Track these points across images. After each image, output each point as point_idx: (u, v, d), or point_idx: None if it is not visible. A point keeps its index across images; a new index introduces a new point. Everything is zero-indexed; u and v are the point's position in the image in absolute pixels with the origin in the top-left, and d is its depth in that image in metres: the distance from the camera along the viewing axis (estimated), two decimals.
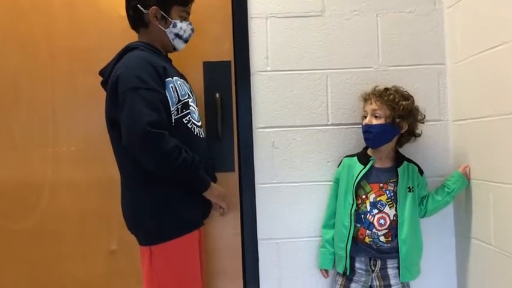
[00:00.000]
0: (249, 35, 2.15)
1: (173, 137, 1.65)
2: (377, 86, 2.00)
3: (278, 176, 2.14)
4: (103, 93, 1.76)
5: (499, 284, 1.83)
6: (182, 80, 1.83)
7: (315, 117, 2.15)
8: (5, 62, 2.15)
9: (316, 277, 2.13)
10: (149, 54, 1.76)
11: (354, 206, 1.95)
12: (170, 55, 1.94)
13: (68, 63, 2.15)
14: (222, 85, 2.15)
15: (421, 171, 2.03)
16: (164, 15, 1.81)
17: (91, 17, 2.16)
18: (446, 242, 2.16)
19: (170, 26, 1.83)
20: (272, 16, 2.15)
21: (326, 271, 2.09)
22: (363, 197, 1.96)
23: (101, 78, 1.82)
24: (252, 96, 2.15)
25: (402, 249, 1.92)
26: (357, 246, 1.95)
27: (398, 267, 1.93)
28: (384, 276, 1.94)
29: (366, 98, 2.00)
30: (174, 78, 1.76)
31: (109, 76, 1.74)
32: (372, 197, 1.96)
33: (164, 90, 1.70)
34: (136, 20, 1.84)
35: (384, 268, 1.94)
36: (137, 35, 1.87)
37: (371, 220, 1.94)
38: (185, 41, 1.89)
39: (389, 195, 1.95)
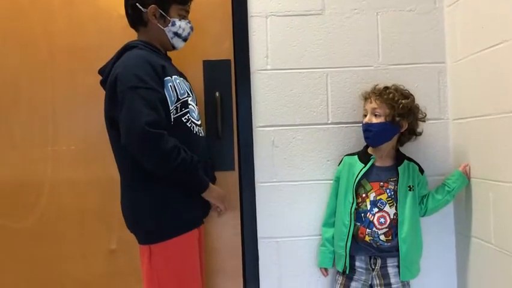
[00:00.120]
0: (249, 34, 2.15)
1: (173, 136, 1.65)
2: (377, 85, 2.00)
3: (278, 174, 2.14)
4: (102, 92, 1.76)
5: (499, 282, 1.84)
6: (181, 78, 1.83)
7: (315, 116, 2.15)
8: (5, 61, 2.15)
9: (316, 276, 2.13)
10: (148, 53, 1.75)
11: (355, 204, 1.95)
12: (170, 53, 1.94)
13: (68, 62, 2.15)
14: (221, 84, 2.15)
15: (421, 170, 2.03)
16: (163, 13, 1.81)
17: (91, 15, 2.15)
18: (446, 240, 2.16)
19: (169, 25, 1.82)
20: (272, 15, 2.15)
21: (326, 270, 2.09)
22: (364, 195, 1.96)
23: (100, 77, 1.82)
24: (252, 95, 2.14)
25: (403, 248, 1.92)
26: (357, 244, 1.95)
27: (398, 266, 1.93)
28: (385, 275, 1.94)
29: (366, 97, 2.00)
30: (173, 77, 1.75)
31: (108, 75, 1.73)
32: (372, 195, 1.96)
33: (163, 89, 1.70)
34: (135, 18, 1.84)
35: (384, 267, 1.94)
36: (137, 33, 1.87)
37: (371, 219, 1.94)
38: (185, 39, 1.89)
39: (389, 194, 1.95)
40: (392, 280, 1.94)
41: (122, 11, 1.87)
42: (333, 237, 2.04)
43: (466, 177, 2.00)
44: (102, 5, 2.16)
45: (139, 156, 1.65)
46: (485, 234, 1.91)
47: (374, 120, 1.94)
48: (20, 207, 2.13)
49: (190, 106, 1.80)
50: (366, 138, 1.99)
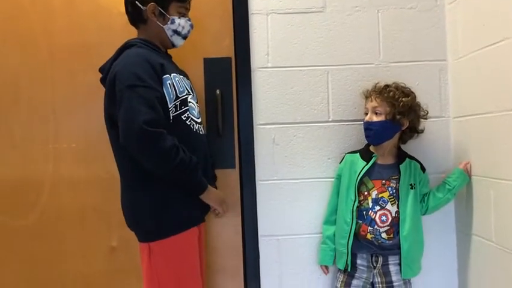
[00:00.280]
0: (250, 31, 2.15)
1: (172, 134, 1.65)
2: (377, 83, 2.00)
3: (279, 172, 2.14)
4: (103, 90, 1.76)
5: (500, 280, 1.83)
6: (181, 76, 1.82)
7: (316, 113, 2.15)
8: (5, 60, 2.15)
9: (317, 274, 2.13)
10: (147, 51, 1.75)
11: (356, 202, 1.95)
12: (170, 51, 1.94)
13: (68, 60, 2.15)
14: (222, 81, 2.15)
15: (423, 168, 2.02)
16: (162, 11, 1.80)
17: (91, 13, 2.15)
18: (447, 238, 2.16)
19: (169, 23, 1.82)
20: (273, 12, 2.15)
21: (326, 267, 2.09)
22: (365, 193, 1.96)
23: (101, 75, 1.82)
24: (252, 92, 2.14)
25: (404, 246, 1.92)
26: (359, 242, 1.95)
27: (400, 264, 1.93)
28: (386, 273, 1.94)
29: (367, 96, 2.00)
30: (172, 74, 1.75)
31: (107, 73, 1.73)
32: (374, 193, 1.95)
33: (162, 87, 1.69)
34: (134, 16, 1.84)
35: (385, 265, 1.94)
36: (137, 31, 1.87)
37: (373, 217, 1.94)
38: (184, 37, 1.88)
39: (391, 192, 1.95)
40: (394, 278, 1.94)
41: (122, 9, 1.87)
42: (334, 235, 2.04)
43: (466, 175, 2.00)
44: (102, 3, 2.15)
45: (138, 155, 1.64)
46: (486, 232, 1.91)
47: (375, 119, 1.93)
48: (21, 206, 2.14)
49: (190, 104, 1.80)
50: (367, 136, 1.98)
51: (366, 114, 1.98)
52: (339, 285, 2.00)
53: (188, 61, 2.09)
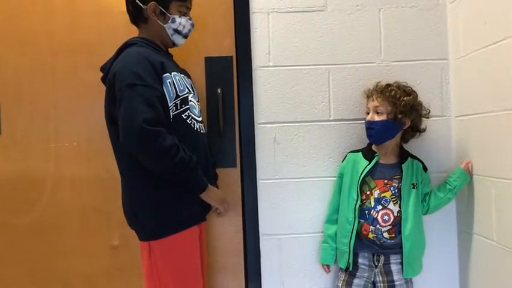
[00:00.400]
0: (251, 30, 2.15)
1: (172, 132, 1.65)
2: (379, 82, 2.00)
3: (280, 171, 2.14)
4: (104, 89, 1.76)
5: (501, 279, 1.83)
6: (182, 75, 1.82)
7: (317, 112, 2.14)
8: (7, 59, 2.15)
9: (318, 273, 2.13)
10: (147, 50, 1.75)
11: (359, 201, 1.94)
12: (171, 50, 1.94)
13: (70, 59, 2.15)
14: (223, 80, 2.15)
15: (425, 168, 2.02)
16: (163, 10, 1.80)
17: (92, 12, 2.15)
18: (449, 237, 2.16)
19: (169, 22, 1.82)
20: (274, 11, 2.14)
21: (328, 266, 2.09)
22: (368, 192, 1.96)
23: (102, 74, 1.82)
24: (253, 91, 2.14)
25: (406, 246, 1.92)
26: (361, 241, 1.95)
27: (401, 263, 1.93)
28: (388, 272, 1.94)
29: (368, 95, 2.00)
30: (172, 73, 1.75)
31: (108, 72, 1.73)
32: (376, 193, 1.95)
33: (162, 86, 1.69)
34: (135, 15, 1.84)
35: (387, 264, 1.94)
36: (138, 30, 1.87)
37: (375, 216, 1.94)
38: (185, 36, 1.88)
39: (393, 192, 1.95)
40: (395, 277, 1.93)
41: (123, 8, 1.87)
42: (335, 234, 2.03)
43: (467, 174, 1.99)
44: (103, 2, 2.16)
45: (138, 154, 1.65)
46: (487, 231, 1.91)
47: (376, 118, 1.93)
48: (23, 204, 2.14)
49: (190, 103, 1.80)
50: (369, 136, 1.98)
51: (368, 113, 1.97)
52: (340, 284, 2.00)
53: (190, 60, 2.09)
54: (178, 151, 1.64)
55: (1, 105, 2.14)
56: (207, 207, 1.84)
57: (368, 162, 1.97)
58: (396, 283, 1.93)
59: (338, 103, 2.15)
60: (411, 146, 2.06)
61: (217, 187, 1.93)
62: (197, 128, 1.81)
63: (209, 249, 2.09)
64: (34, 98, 2.15)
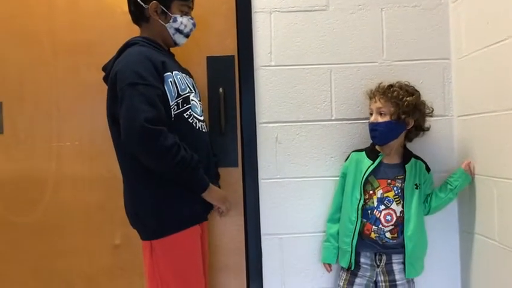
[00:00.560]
0: (253, 30, 2.14)
1: (174, 131, 1.65)
2: (381, 83, 1.99)
3: (282, 171, 2.14)
4: (106, 89, 1.76)
5: (503, 279, 1.83)
6: (183, 74, 1.82)
7: (319, 112, 2.14)
8: (9, 58, 2.16)
9: (320, 272, 2.13)
10: (149, 49, 1.75)
11: (362, 201, 1.94)
12: (173, 50, 1.94)
13: (72, 59, 2.15)
14: (225, 80, 2.15)
15: (428, 169, 2.02)
16: (165, 9, 1.80)
17: (94, 12, 2.16)
18: (450, 237, 2.15)
19: (171, 21, 1.82)
20: (276, 10, 2.14)
21: (329, 265, 2.09)
22: (371, 192, 1.96)
23: (104, 74, 1.82)
24: (255, 91, 2.14)
25: (408, 246, 1.92)
26: (363, 241, 1.95)
27: (403, 263, 1.93)
28: (389, 272, 1.94)
29: (370, 96, 1.99)
30: (174, 72, 1.75)
31: (109, 72, 1.74)
32: (379, 192, 1.95)
33: (163, 85, 1.70)
34: (137, 14, 1.84)
35: (389, 263, 1.94)
36: (140, 29, 1.87)
37: (378, 216, 1.93)
38: (186, 35, 1.88)
39: (396, 192, 1.95)
40: (397, 277, 1.93)
41: (126, 8, 1.87)
42: (337, 233, 2.03)
43: (468, 174, 1.99)
44: (105, 2, 2.16)
45: (139, 153, 1.65)
46: (489, 231, 1.91)
47: (380, 120, 1.92)
48: (25, 203, 2.14)
49: (192, 102, 1.80)
50: (372, 137, 1.98)
51: (371, 114, 1.97)
52: (342, 284, 2.00)
53: (192, 59, 2.09)
54: (180, 150, 1.64)
55: (3, 104, 2.15)
56: (208, 207, 1.83)
57: (371, 161, 1.97)
58: (398, 282, 1.93)
59: (339, 103, 2.14)
60: (414, 146, 2.06)
61: (219, 187, 1.93)
62: (199, 127, 1.81)
63: (211, 249, 2.09)
64: (36, 97, 2.15)
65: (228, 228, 2.16)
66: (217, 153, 2.00)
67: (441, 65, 2.15)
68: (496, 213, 1.85)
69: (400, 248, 1.93)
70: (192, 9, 1.90)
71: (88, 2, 2.16)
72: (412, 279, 1.97)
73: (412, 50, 2.15)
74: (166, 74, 1.71)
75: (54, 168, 2.14)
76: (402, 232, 1.93)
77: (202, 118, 1.86)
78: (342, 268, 2.02)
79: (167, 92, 1.70)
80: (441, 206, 2.02)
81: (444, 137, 2.15)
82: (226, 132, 2.13)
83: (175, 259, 1.71)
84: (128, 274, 2.14)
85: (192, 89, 1.84)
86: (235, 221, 2.16)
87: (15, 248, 2.14)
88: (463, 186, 2.00)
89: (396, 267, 1.94)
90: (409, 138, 2.02)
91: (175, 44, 1.89)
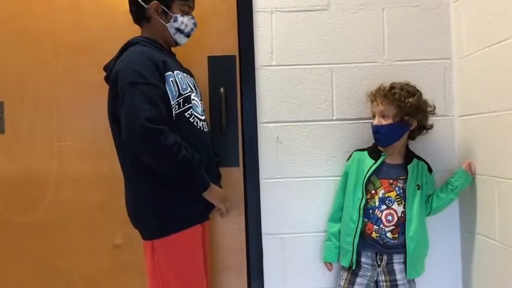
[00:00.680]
0: (254, 30, 2.14)
1: (175, 131, 1.65)
2: (381, 85, 1.99)
3: (283, 171, 2.14)
4: (107, 89, 1.76)
5: (504, 279, 1.83)
6: (184, 74, 1.83)
7: (320, 112, 2.14)
8: (10, 57, 2.15)
9: (321, 272, 2.13)
10: (150, 49, 1.76)
11: (364, 200, 1.94)
12: (174, 49, 1.94)
13: (73, 58, 2.15)
14: (226, 79, 2.15)
15: (430, 169, 2.02)
16: (165, 9, 1.81)
17: (95, 11, 2.16)
18: (452, 237, 2.15)
19: (171, 21, 1.82)
20: (277, 10, 2.14)
21: (330, 264, 2.08)
22: (373, 192, 1.96)
23: (105, 73, 1.82)
24: (256, 90, 2.14)
25: (410, 247, 1.91)
26: (364, 241, 1.95)
27: (404, 263, 1.93)
28: (390, 271, 1.94)
29: (372, 99, 1.99)
30: (175, 72, 1.75)
31: (111, 71, 1.74)
32: (381, 192, 1.95)
33: (164, 85, 1.70)
34: (138, 14, 1.84)
35: (390, 263, 1.94)
36: (140, 29, 1.87)
37: (379, 216, 1.93)
38: (187, 35, 1.88)
39: (398, 192, 1.95)
40: (398, 276, 1.93)
41: (127, 7, 1.87)
42: (339, 232, 2.03)
43: (469, 174, 1.99)
44: (106, 1, 2.16)
45: (140, 152, 1.65)
46: (490, 232, 1.91)
47: (384, 122, 1.92)
48: (25, 202, 2.14)
49: (193, 101, 1.80)
50: (376, 139, 1.97)
51: (374, 116, 1.97)
52: (343, 283, 2.00)
53: (193, 59, 2.09)
54: (181, 149, 1.64)
55: (4, 104, 2.15)
56: (209, 206, 1.83)
57: (373, 161, 1.97)
58: (398, 282, 1.93)
59: (341, 102, 2.14)
60: (415, 145, 2.06)
61: (221, 186, 1.93)
62: (200, 127, 1.81)
63: (212, 248, 2.09)
64: (37, 97, 2.15)
65: (229, 228, 2.16)
66: (218, 153, 2.00)
67: (442, 65, 2.15)
68: (497, 214, 1.85)
69: (401, 248, 1.93)
70: (193, 9, 1.90)
71: (89, 1, 2.16)
72: (413, 279, 1.97)
73: (413, 50, 2.15)
74: (167, 73, 1.72)
75: (55, 167, 2.14)
76: (403, 232, 1.93)
77: (203, 118, 1.86)
78: (343, 268, 2.02)
79: (168, 91, 1.70)
80: (442, 207, 2.02)
81: (446, 137, 2.15)
82: (227, 132, 2.13)
83: (176, 259, 1.71)
84: (129, 274, 2.14)
85: (193, 88, 1.84)
86: (236, 221, 2.16)
87: (16, 247, 2.14)
88: (463, 187, 1.99)
89: (397, 267, 1.94)
90: (412, 137, 2.02)
91: (176, 44, 1.89)
